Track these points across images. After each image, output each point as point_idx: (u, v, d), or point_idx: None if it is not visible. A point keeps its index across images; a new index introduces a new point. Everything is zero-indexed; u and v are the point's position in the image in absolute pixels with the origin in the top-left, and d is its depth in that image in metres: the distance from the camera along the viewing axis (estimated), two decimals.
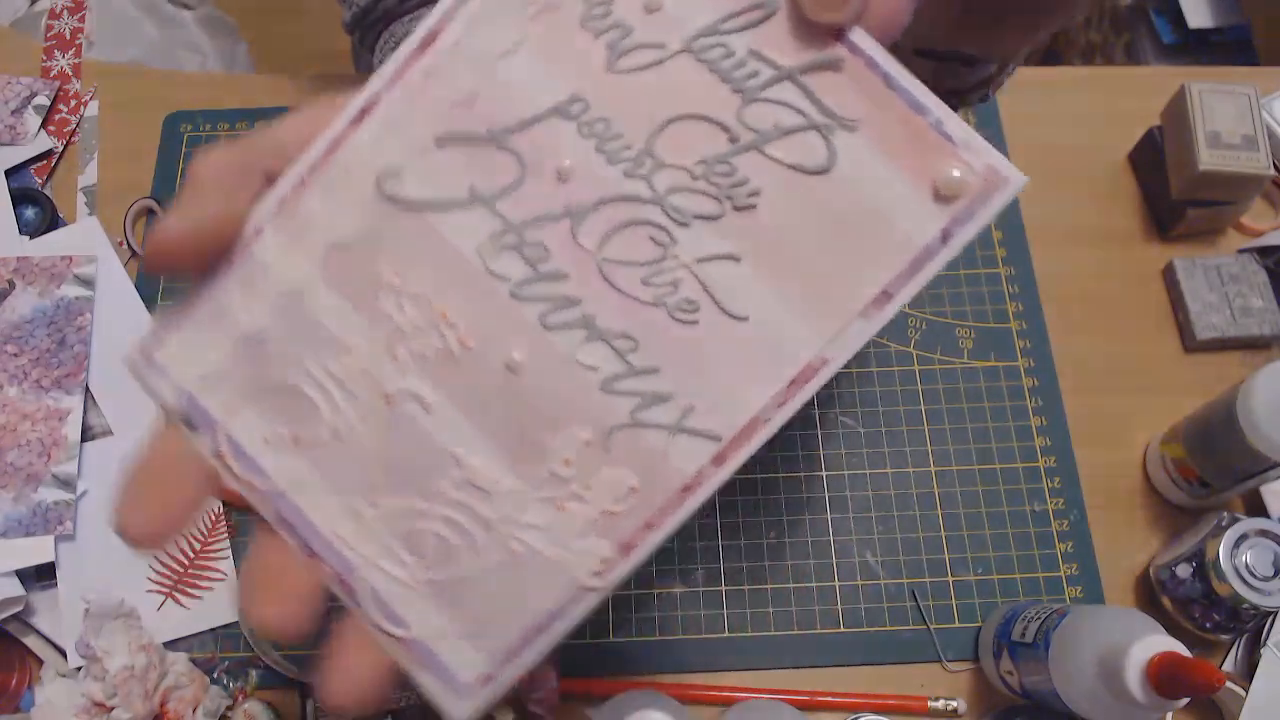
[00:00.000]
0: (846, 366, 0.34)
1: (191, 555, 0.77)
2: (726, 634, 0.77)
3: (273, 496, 0.31)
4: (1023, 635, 0.69)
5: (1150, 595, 0.76)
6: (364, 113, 0.31)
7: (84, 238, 0.86)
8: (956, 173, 0.28)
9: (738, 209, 0.32)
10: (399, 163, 0.33)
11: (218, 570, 0.77)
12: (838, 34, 0.30)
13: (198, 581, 0.77)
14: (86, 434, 0.79)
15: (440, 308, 0.33)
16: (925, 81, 0.30)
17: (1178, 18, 1.50)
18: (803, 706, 0.73)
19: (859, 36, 0.29)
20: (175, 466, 0.31)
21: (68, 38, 0.98)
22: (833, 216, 0.31)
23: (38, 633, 0.74)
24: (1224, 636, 0.73)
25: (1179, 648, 0.58)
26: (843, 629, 0.77)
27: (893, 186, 0.29)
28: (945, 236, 0.29)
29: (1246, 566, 0.67)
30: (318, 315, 0.33)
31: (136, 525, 0.29)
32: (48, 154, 0.92)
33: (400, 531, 0.31)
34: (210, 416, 0.32)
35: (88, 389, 0.80)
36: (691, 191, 0.32)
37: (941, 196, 0.29)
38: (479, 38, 0.32)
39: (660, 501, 0.30)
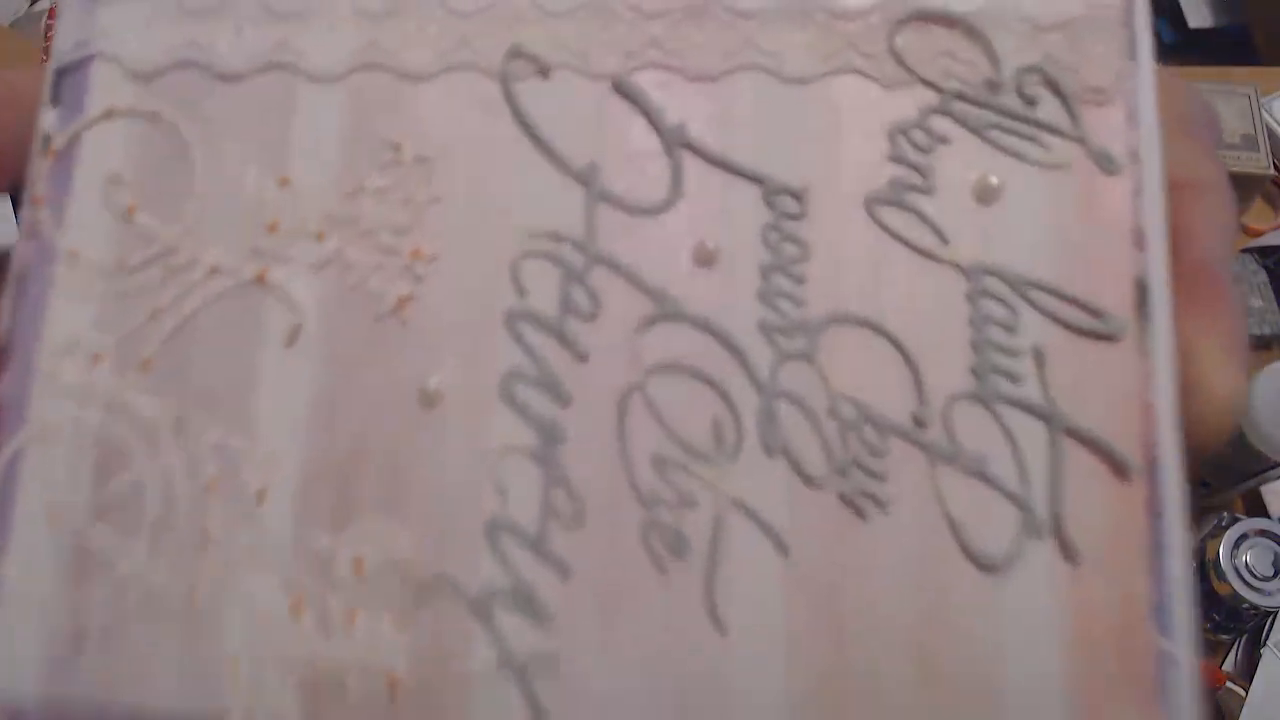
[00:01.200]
0: None
1: None
2: None
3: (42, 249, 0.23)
4: None
5: None
6: None
7: None
8: None
9: (844, 498, 0.21)
10: (545, 56, 0.24)
11: None
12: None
13: None
14: None
15: (424, 248, 0.23)
16: None
17: (1178, 18, 1.44)
18: None
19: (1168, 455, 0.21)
20: None
21: None
22: (944, 650, 0.21)
23: None
24: (1224, 636, 0.72)
25: None
26: None
27: (1048, 683, 0.21)
28: None
29: (1246, 566, 0.67)
30: (299, 99, 0.24)
31: None
32: None
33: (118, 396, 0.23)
34: (83, 98, 0.24)
35: None
36: (811, 420, 0.22)
37: None
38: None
39: None
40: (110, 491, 0.22)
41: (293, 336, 0.23)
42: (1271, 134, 0.89)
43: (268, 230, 0.23)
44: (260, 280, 0.23)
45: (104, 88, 0.24)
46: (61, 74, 0.25)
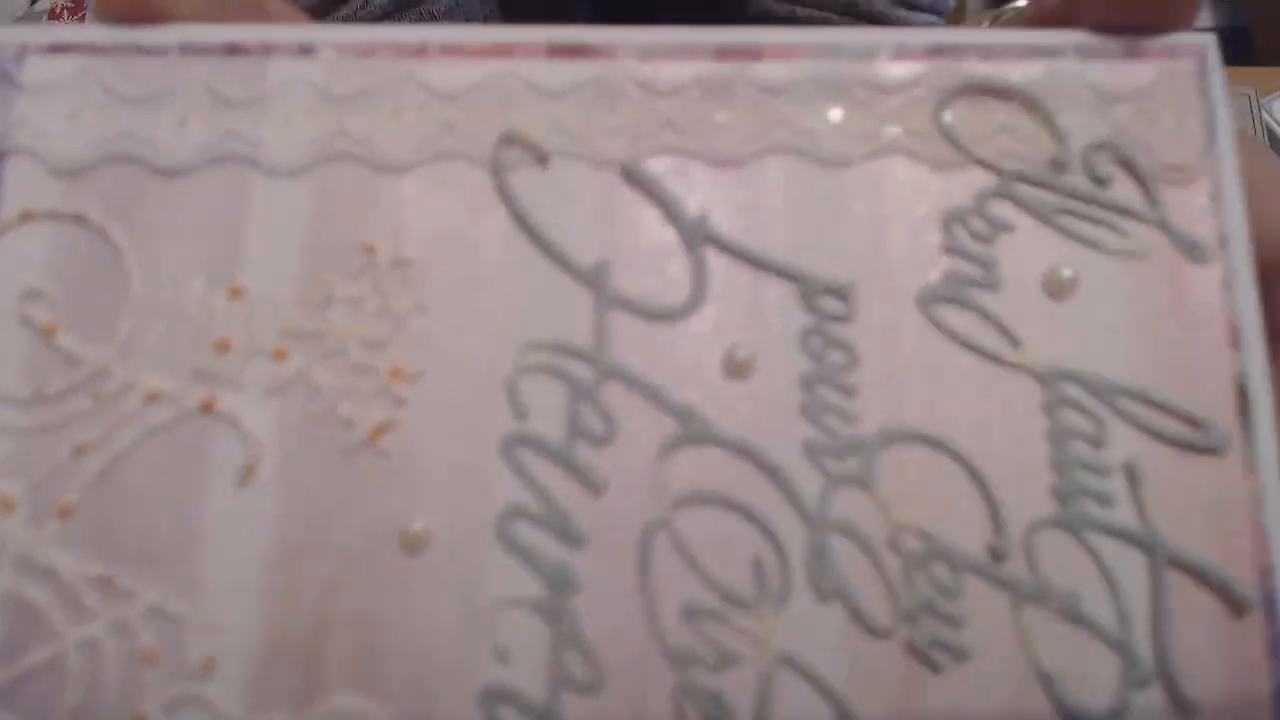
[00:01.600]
0: None
1: None
2: None
3: None
4: None
5: None
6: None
7: None
8: None
9: (913, 648, 0.19)
10: (543, 142, 0.22)
11: None
12: None
13: None
14: None
15: (404, 366, 0.20)
16: None
17: None
18: None
19: None
20: None
21: None
22: None
23: None
24: None
25: None
26: None
27: None
28: None
29: None
30: (253, 197, 0.22)
31: None
32: None
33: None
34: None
35: None
36: (870, 557, 0.20)
37: None
38: None
39: None
40: (21, 669, 0.19)
41: (247, 474, 0.20)
42: (1271, 134, 0.89)
43: (216, 350, 0.20)
44: (207, 409, 0.20)
45: (21, 187, 0.22)
46: None
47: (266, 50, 0.23)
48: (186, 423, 0.21)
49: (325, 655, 0.20)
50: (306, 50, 0.24)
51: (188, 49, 0.23)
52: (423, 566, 0.20)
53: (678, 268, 0.22)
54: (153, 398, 0.21)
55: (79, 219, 0.22)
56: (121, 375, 0.21)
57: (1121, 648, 0.19)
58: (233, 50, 0.23)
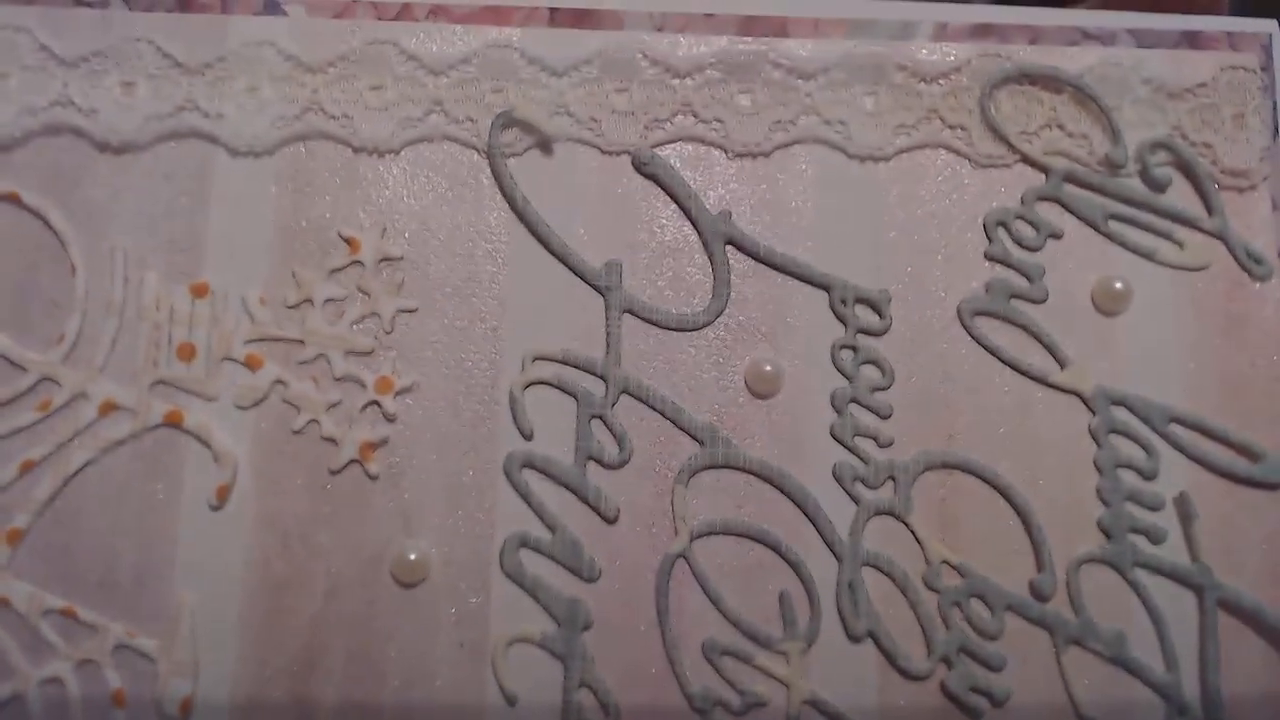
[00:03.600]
0: None
1: None
2: None
3: None
4: None
5: None
6: None
7: None
8: None
9: (950, 693, 0.18)
10: (545, 126, 0.21)
11: None
12: None
13: None
14: None
15: (395, 377, 0.19)
16: None
17: None
18: None
19: None
20: None
21: None
22: None
23: None
24: None
25: None
26: None
27: None
28: None
29: None
30: (215, 179, 0.20)
31: None
32: None
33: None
34: None
35: None
36: (906, 593, 0.19)
37: None
38: None
39: None
40: None
41: (221, 497, 0.18)
42: None
43: (179, 357, 0.18)
44: (173, 422, 0.18)
45: None
46: None
47: (226, 5, 0.21)
48: (150, 438, 0.19)
49: (314, 696, 0.18)
50: (272, 6, 0.21)
51: (133, 0, 0.21)
52: (419, 599, 0.19)
53: (696, 270, 0.20)
54: (109, 408, 0.19)
55: (11, 199, 0.20)
56: (73, 383, 0.19)
57: (1168, 692, 0.18)
58: (186, 4, 0.21)
